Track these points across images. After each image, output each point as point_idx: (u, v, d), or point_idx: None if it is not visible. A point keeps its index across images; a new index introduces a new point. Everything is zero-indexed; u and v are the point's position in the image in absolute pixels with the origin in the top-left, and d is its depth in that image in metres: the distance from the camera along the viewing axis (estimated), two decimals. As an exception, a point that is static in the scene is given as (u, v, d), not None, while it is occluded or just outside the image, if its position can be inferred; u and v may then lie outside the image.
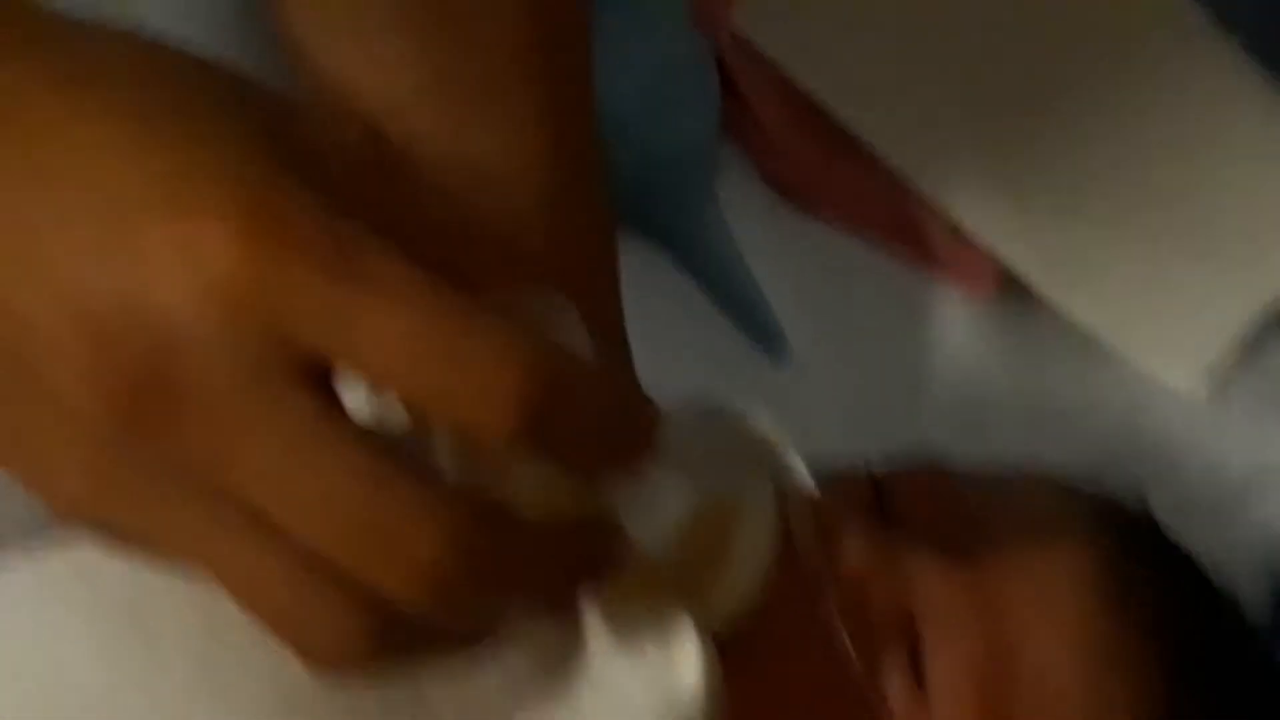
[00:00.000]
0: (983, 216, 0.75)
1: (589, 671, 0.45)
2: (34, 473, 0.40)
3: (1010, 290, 0.76)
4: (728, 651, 0.50)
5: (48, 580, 0.51)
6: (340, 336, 0.36)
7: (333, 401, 0.37)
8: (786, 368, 0.75)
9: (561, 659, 0.46)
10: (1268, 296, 0.75)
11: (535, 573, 0.40)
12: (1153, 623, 0.54)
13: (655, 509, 0.44)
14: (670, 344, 0.74)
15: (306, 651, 0.39)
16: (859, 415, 0.74)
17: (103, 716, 0.47)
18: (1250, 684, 0.58)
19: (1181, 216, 0.76)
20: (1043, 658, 0.52)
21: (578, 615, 0.46)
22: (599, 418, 0.39)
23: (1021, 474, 0.60)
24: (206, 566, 0.39)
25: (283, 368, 0.36)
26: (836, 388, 0.74)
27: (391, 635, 0.39)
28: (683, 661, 0.43)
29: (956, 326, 0.76)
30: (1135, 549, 0.57)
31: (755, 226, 0.76)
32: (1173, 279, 0.75)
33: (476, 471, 0.41)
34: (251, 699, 0.47)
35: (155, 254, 0.36)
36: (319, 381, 0.37)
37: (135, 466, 0.38)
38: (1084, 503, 0.59)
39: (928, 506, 0.56)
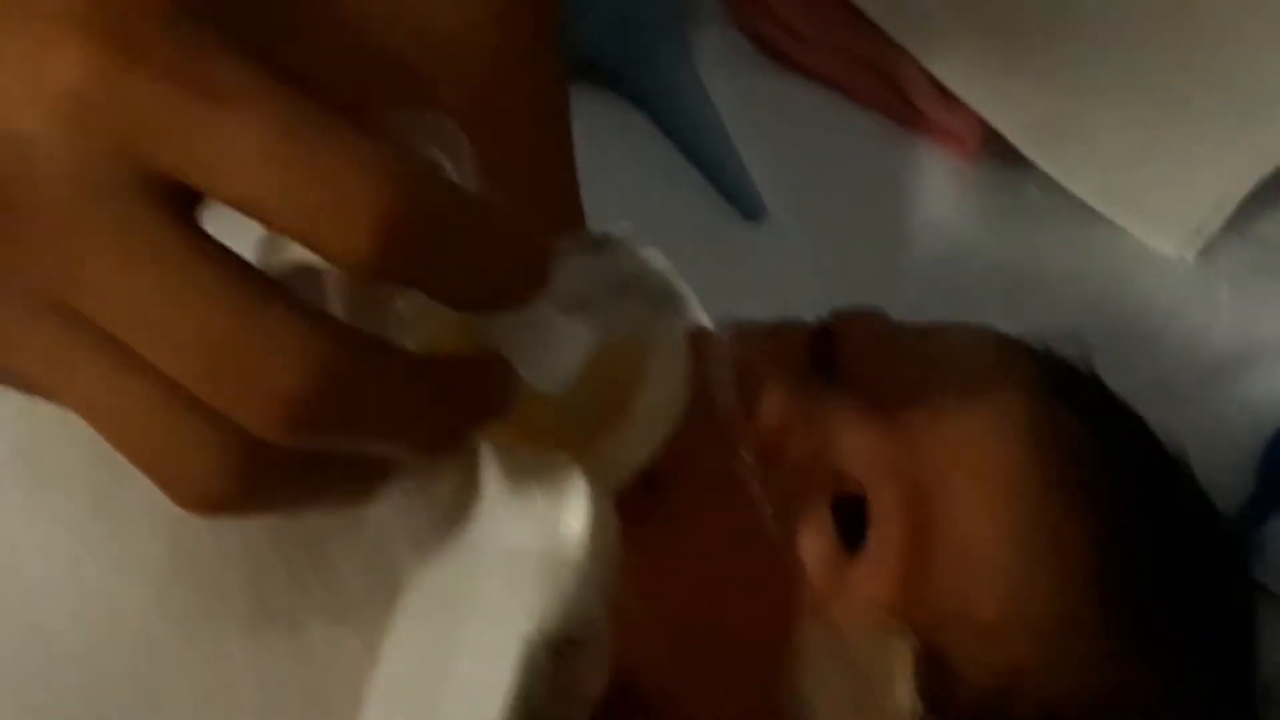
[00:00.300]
0: (970, 78, 0.73)
1: (480, 519, 0.44)
2: None
3: (995, 153, 0.74)
4: (631, 500, 0.50)
5: None
6: (191, 152, 0.34)
7: (193, 226, 0.36)
8: (761, 227, 0.73)
9: (458, 508, 0.45)
10: (1259, 163, 0.73)
11: (412, 409, 0.37)
12: (1086, 481, 0.52)
13: (550, 350, 0.43)
14: (646, 204, 0.73)
15: (174, 487, 0.37)
16: (837, 276, 0.72)
17: None
18: (1194, 548, 0.56)
19: (1174, 81, 0.73)
20: (968, 516, 0.50)
21: (475, 465, 0.45)
22: (473, 248, 0.36)
23: (964, 327, 0.58)
24: (68, 398, 0.37)
25: (134, 185, 0.35)
26: (815, 249, 0.72)
27: (263, 472, 0.37)
28: (571, 510, 0.42)
29: (939, 188, 0.74)
30: (1074, 406, 0.55)
31: (733, 83, 0.75)
32: (1162, 143, 0.73)
33: (365, 313, 0.40)
34: (144, 541, 0.46)
35: (3, 67, 0.35)
36: (180, 206, 0.36)
37: None
38: (1025, 358, 0.57)
39: (863, 356, 0.54)
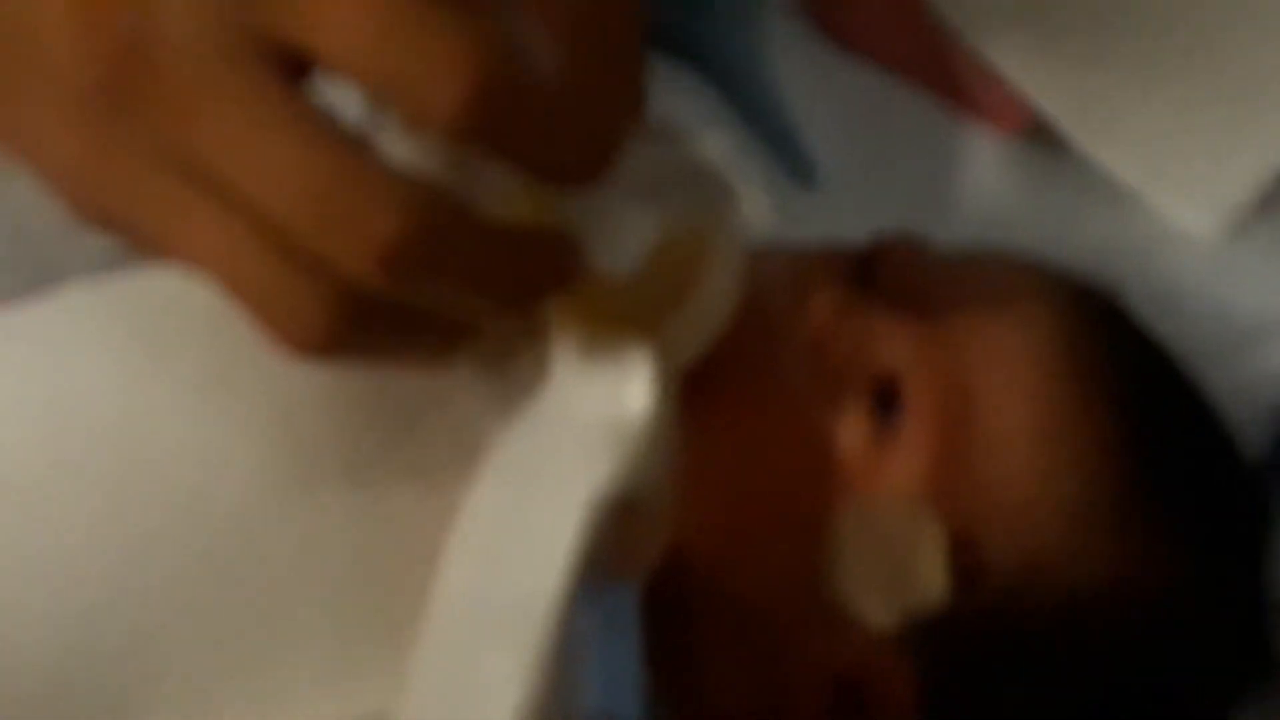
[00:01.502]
0: (1013, 56, 0.77)
1: (553, 391, 0.47)
2: (29, 141, 0.43)
3: (1037, 131, 0.78)
4: (687, 387, 0.54)
5: (57, 309, 0.55)
6: (302, 16, 0.39)
7: (300, 91, 0.41)
8: (813, 196, 0.77)
9: (534, 383, 0.49)
10: (1288, 142, 0.76)
11: (492, 263, 0.42)
12: (1110, 383, 0.56)
13: (618, 231, 0.47)
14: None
15: (279, 329, 0.42)
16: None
17: (112, 426, 0.50)
18: (1212, 454, 0.60)
19: (1210, 61, 0.76)
20: (999, 409, 0.54)
21: (547, 345, 0.48)
22: (553, 120, 0.41)
23: (1001, 253, 0.62)
24: (184, 247, 0.42)
25: (251, 48, 0.40)
26: (862, 216, 0.76)
27: (359, 314, 0.41)
28: (634, 386, 0.45)
29: (980, 163, 0.77)
30: (1103, 323, 0.59)
31: (791, 58, 0.78)
32: (1198, 123, 0.76)
33: (445, 175, 0.44)
34: (253, 412, 0.50)
35: None
36: (290, 73, 0.40)
37: (119, 134, 0.41)
38: (1058, 280, 0.61)
39: (904, 270, 0.58)
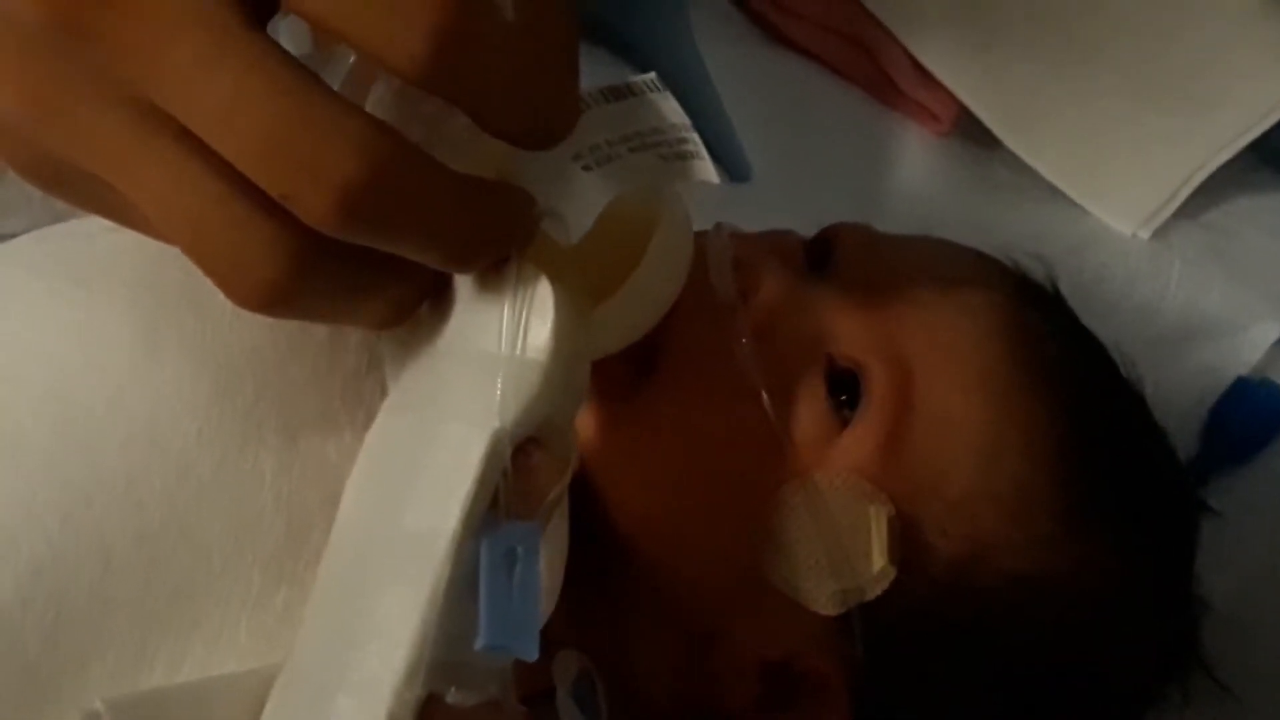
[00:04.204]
0: (947, 59, 0.78)
1: (454, 324, 0.46)
2: None
3: (966, 130, 0.79)
4: (634, 367, 0.53)
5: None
6: None
7: (265, 31, 0.39)
8: (746, 189, 0.77)
9: (428, 318, 0.48)
10: (1215, 149, 0.77)
11: (449, 217, 0.41)
12: (1050, 374, 0.56)
13: (568, 200, 0.46)
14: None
15: (232, 278, 0.40)
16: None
17: (51, 382, 0.49)
18: (1146, 449, 0.60)
19: (1137, 73, 0.78)
20: (946, 397, 0.54)
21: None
22: (516, 74, 0.40)
23: (944, 240, 0.62)
24: (131, 183, 0.40)
25: None
26: (792, 209, 0.76)
27: (314, 263, 0.40)
28: (537, 316, 0.44)
29: (913, 160, 0.78)
30: (1042, 312, 0.59)
31: (725, 53, 0.79)
32: (1125, 127, 0.78)
33: (408, 123, 0.43)
34: (188, 377, 0.49)
35: None
36: (254, 13, 0.39)
37: (68, 76, 0.39)
38: (999, 266, 0.61)
39: (854, 256, 0.58)
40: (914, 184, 0.78)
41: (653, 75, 0.46)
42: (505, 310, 0.45)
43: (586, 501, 0.51)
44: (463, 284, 0.46)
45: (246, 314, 0.42)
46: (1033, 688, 0.57)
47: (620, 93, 0.47)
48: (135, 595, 0.47)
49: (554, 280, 0.45)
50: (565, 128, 0.43)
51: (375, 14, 0.38)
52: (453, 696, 0.43)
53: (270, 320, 0.45)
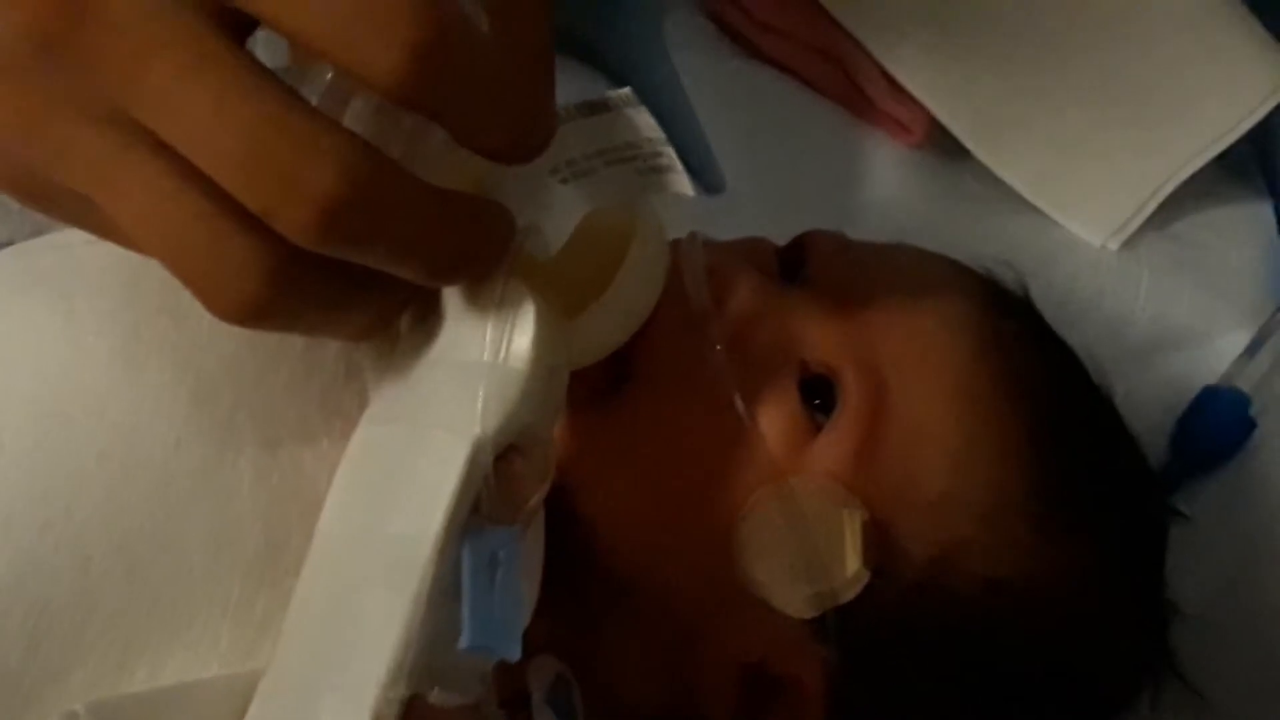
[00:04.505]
0: (918, 72, 0.79)
1: (439, 336, 0.47)
2: None
3: (938, 143, 0.79)
4: (610, 374, 0.54)
5: None
6: None
7: (244, 47, 0.40)
8: (719, 201, 0.78)
9: (412, 328, 0.49)
10: (1183, 160, 0.78)
11: (429, 232, 0.41)
12: (1023, 381, 0.57)
13: (547, 209, 0.47)
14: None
15: (213, 292, 0.41)
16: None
17: (33, 392, 0.49)
18: (1117, 453, 0.61)
19: (1106, 80, 0.79)
20: (919, 403, 0.55)
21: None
22: (494, 90, 0.41)
23: (917, 248, 0.63)
24: (111, 197, 0.41)
25: (195, 3, 0.39)
26: (765, 220, 0.77)
27: (295, 278, 0.41)
28: (519, 328, 0.45)
29: (885, 172, 0.79)
30: (1014, 319, 0.60)
31: (699, 65, 0.79)
32: (1093, 140, 0.79)
33: (386, 139, 0.44)
34: (166, 387, 0.50)
35: None
36: (233, 29, 0.40)
37: (48, 92, 0.40)
38: (971, 275, 0.62)
39: (828, 264, 0.59)
40: (886, 195, 0.79)
41: (628, 90, 0.47)
42: (488, 322, 0.46)
43: (564, 509, 0.52)
44: (444, 296, 0.47)
45: (225, 326, 0.42)
46: (1006, 689, 0.58)
47: (596, 107, 0.47)
48: (116, 604, 0.47)
49: (533, 292, 0.46)
50: (543, 142, 0.43)
51: (353, 30, 0.38)
52: (435, 697, 0.44)
53: (249, 332, 0.46)
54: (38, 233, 0.62)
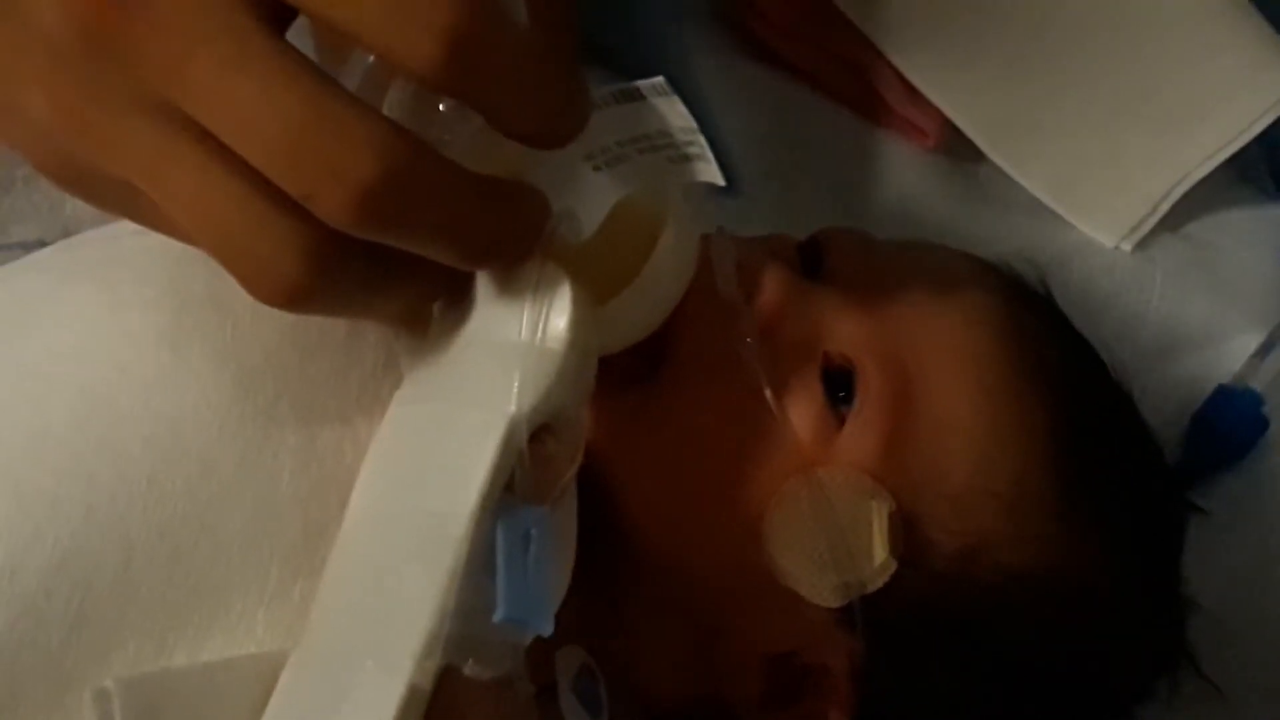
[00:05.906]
0: (933, 76, 0.79)
1: (474, 317, 0.48)
2: (5, 104, 0.43)
3: (953, 146, 0.80)
4: (639, 365, 0.54)
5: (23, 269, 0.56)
6: None
7: (284, 38, 0.41)
8: (734, 203, 0.78)
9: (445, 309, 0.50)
10: (1196, 162, 0.79)
11: (466, 217, 0.42)
12: (1045, 375, 0.57)
13: (581, 195, 0.48)
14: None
15: (254, 276, 0.42)
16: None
17: (83, 383, 0.50)
18: (1137, 449, 0.62)
19: (1120, 83, 0.79)
20: (944, 395, 0.55)
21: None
22: (529, 75, 0.42)
23: (938, 244, 0.64)
24: (156, 186, 0.42)
25: None
26: (781, 222, 0.78)
27: (334, 261, 0.42)
28: (555, 310, 0.46)
29: (900, 175, 0.80)
30: (1035, 313, 0.60)
31: (716, 68, 0.80)
32: (1107, 142, 0.79)
33: (424, 125, 0.45)
34: (209, 375, 0.51)
35: None
36: (273, 20, 0.41)
37: (95, 84, 0.41)
38: (992, 270, 0.63)
39: (849, 260, 0.59)
40: (901, 198, 0.79)
41: (661, 79, 0.48)
42: (524, 304, 0.46)
43: (592, 496, 0.52)
44: (480, 280, 0.48)
45: (267, 315, 0.43)
46: (1029, 679, 0.58)
47: (630, 95, 0.48)
48: (156, 587, 0.48)
49: (569, 276, 0.47)
50: (577, 127, 0.44)
51: (391, 19, 0.40)
52: (470, 669, 0.44)
53: (290, 321, 0.47)
54: (67, 232, 0.63)
